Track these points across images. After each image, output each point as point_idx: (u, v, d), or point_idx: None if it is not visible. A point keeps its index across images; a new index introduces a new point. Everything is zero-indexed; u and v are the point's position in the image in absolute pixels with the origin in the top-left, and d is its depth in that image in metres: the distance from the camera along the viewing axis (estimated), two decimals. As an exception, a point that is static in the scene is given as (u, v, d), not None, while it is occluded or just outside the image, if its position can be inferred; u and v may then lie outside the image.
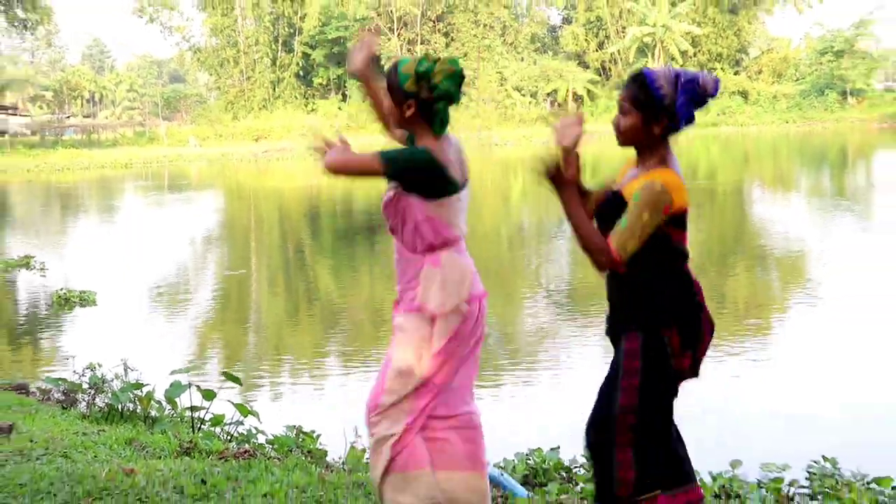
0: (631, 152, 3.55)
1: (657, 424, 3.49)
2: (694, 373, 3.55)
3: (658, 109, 3.39)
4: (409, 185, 3.63)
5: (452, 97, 3.68)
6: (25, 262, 18.16)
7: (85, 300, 14.13)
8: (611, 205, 3.47)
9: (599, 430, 3.56)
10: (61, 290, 14.75)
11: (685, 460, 3.56)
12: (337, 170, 3.63)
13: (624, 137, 3.49)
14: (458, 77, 3.67)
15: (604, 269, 3.42)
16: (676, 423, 3.61)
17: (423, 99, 3.65)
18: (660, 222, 3.35)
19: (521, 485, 5.39)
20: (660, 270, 3.44)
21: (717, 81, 3.42)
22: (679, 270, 3.50)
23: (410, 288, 3.73)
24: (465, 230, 3.77)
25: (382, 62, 57.01)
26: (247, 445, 6.02)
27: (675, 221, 3.41)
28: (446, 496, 3.69)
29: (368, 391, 3.83)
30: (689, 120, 3.43)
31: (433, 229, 3.66)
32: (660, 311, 3.44)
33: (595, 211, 3.56)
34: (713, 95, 3.41)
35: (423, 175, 3.61)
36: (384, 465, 3.69)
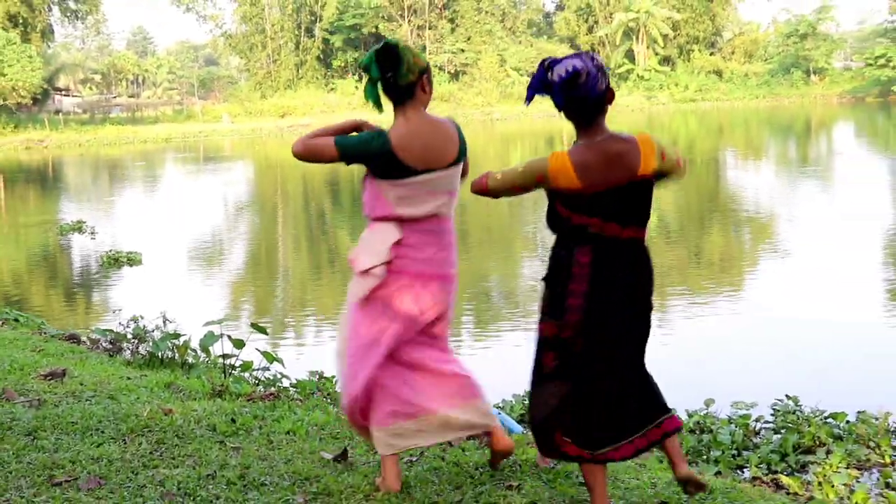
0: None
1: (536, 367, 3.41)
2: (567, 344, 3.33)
3: None
4: (366, 167, 3.57)
5: (369, 74, 3.52)
6: (78, 227, 18.17)
7: (132, 260, 14.13)
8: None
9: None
10: (110, 251, 14.74)
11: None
12: (301, 155, 3.54)
13: None
14: (371, 55, 3.52)
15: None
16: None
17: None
18: (531, 187, 3.29)
19: (518, 423, 5.39)
20: (555, 237, 3.34)
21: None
22: (563, 244, 3.30)
23: None
24: (419, 212, 3.54)
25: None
26: (272, 388, 6.00)
27: (560, 197, 3.25)
28: None
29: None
30: (557, 105, 3.29)
31: (370, 203, 3.57)
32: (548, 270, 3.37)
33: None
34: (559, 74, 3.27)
35: (371, 160, 3.51)
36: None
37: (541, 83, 3.27)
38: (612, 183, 3.20)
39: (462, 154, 3.61)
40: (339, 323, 3.79)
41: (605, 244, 3.24)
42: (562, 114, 3.33)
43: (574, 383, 3.30)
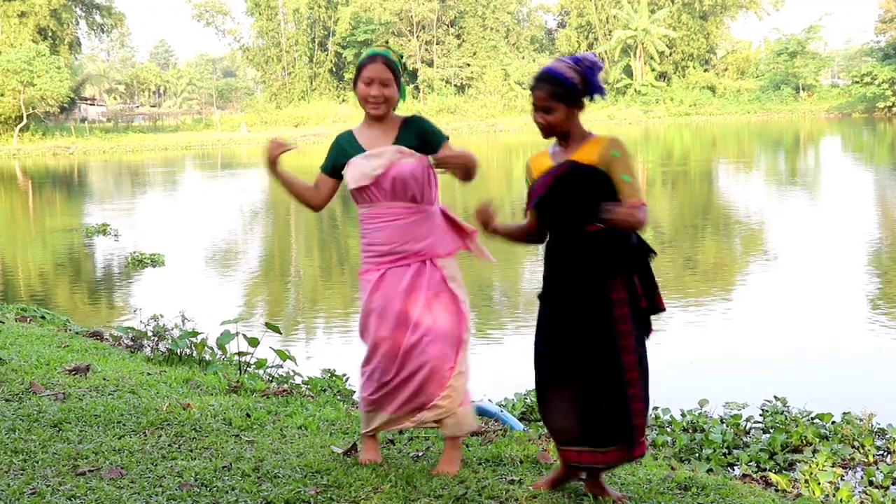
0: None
1: (646, 360, 3.32)
2: (656, 310, 3.34)
3: (577, 95, 3.31)
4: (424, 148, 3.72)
5: (404, 68, 3.72)
6: (102, 229, 18.19)
7: (155, 262, 14.15)
8: (575, 175, 3.28)
9: (592, 374, 3.27)
10: (134, 252, 14.75)
11: None
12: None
13: (557, 130, 3.34)
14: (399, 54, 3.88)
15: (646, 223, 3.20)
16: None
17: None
18: None
19: (519, 420, 5.38)
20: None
21: (596, 57, 3.38)
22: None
23: (430, 235, 3.75)
24: None
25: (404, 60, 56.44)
26: (285, 385, 6.01)
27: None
28: None
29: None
30: (601, 91, 3.35)
31: (435, 189, 3.80)
32: (632, 258, 3.29)
33: (552, 185, 3.35)
34: (600, 67, 3.36)
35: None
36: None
37: (595, 73, 3.35)
38: None
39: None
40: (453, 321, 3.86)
41: None
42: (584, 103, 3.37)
43: None
